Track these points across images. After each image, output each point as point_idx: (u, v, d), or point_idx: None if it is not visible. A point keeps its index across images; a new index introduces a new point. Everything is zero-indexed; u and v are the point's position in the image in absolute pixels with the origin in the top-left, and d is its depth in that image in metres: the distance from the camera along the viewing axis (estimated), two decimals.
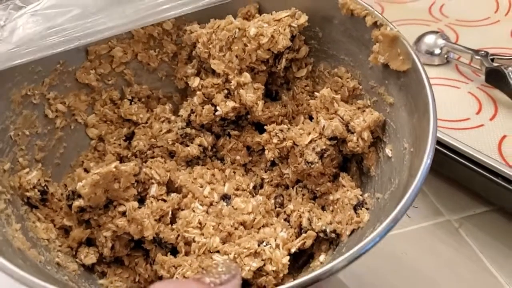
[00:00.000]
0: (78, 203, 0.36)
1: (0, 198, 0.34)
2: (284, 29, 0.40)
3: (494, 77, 0.51)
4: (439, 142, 0.45)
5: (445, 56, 0.56)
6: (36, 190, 0.37)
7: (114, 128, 0.45)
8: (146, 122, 0.45)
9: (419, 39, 0.57)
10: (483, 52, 0.52)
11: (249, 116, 0.44)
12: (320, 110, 0.39)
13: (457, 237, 0.46)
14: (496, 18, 0.62)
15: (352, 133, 0.38)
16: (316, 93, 0.40)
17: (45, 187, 0.37)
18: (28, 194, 0.37)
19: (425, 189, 0.50)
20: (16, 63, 0.34)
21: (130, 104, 0.45)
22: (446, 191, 0.50)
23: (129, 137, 0.45)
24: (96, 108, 0.44)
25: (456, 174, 0.46)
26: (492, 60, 0.52)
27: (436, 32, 0.57)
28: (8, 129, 0.37)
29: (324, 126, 0.38)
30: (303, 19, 0.41)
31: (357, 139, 0.38)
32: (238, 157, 0.43)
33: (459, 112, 0.49)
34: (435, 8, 0.65)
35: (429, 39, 0.56)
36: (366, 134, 0.37)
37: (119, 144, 0.44)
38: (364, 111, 0.39)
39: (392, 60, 0.37)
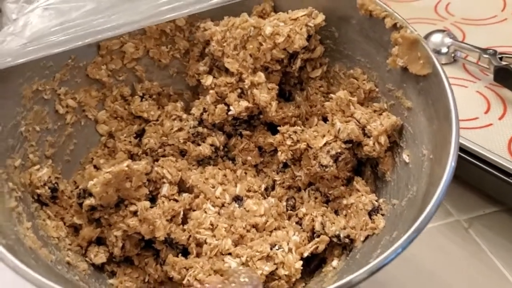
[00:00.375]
0: (89, 201, 0.36)
1: (11, 196, 0.34)
2: (301, 29, 0.39)
3: (503, 76, 0.50)
4: None
5: (452, 55, 0.55)
6: (46, 187, 0.36)
7: (125, 125, 0.44)
8: (157, 120, 0.44)
9: (426, 38, 0.55)
10: (491, 50, 0.51)
11: (261, 116, 0.43)
12: (336, 113, 0.39)
13: (467, 237, 0.46)
14: (503, 17, 0.61)
15: (369, 137, 0.37)
16: (331, 95, 0.39)
17: (56, 184, 0.37)
18: (38, 191, 0.36)
19: None
20: (28, 59, 0.33)
21: (141, 100, 0.45)
22: (455, 192, 0.49)
23: (140, 134, 0.44)
24: (106, 104, 0.44)
25: (466, 173, 0.45)
26: (501, 58, 0.51)
27: (443, 31, 0.56)
28: (19, 125, 0.37)
29: (339, 129, 0.38)
30: (320, 18, 0.40)
31: (374, 144, 0.37)
32: (249, 158, 0.42)
33: (467, 112, 0.48)
34: (441, 7, 0.64)
35: (436, 38, 0.55)
36: (383, 139, 0.37)
37: (130, 142, 0.43)
38: (381, 114, 0.38)
39: (411, 64, 0.36)
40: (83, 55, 0.41)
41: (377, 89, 0.40)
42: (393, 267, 0.43)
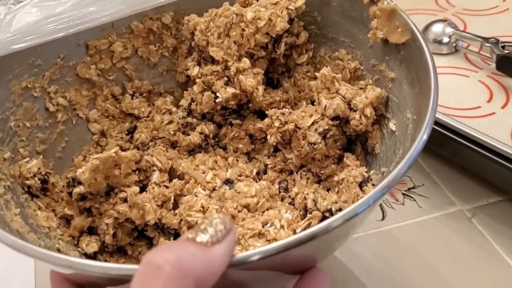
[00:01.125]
0: (78, 189, 0.36)
1: (0, 184, 0.34)
2: (282, 12, 0.40)
3: (505, 65, 0.50)
4: (450, 129, 0.44)
5: (454, 45, 0.55)
6: (36, 178, 0.36)
7: (116, 123, 0.45)
8: (148, 116, 0.45)
9: (427, 28, 0.56)
10: (493, 39, 0.51)
11: (250, 105, 0.43)
12: (321, 91, 0.39)
13: (470, 226, 0.45)
14: (504, 7, 0.62)
15: (355, 111, 0.37)
16: (316, 73, 0.39)
17: (46, 176, 0.37)
18: (28, 182, 0.36)
19: (437, 179, 0.49)
20: (15, 48, 0.34)
21: (132, 98, 0.45)
22: (458, 181, 0.49)
23: (131, 131, 0.45)
24: (97, 103, 0.44)
25: (468, 162, 0.45)
26: (503, 47, 0.51)
27: (444, 21, 0.56)
28: (8, 119, 0.37)
29: (325, 106, 0.38)
30: (301, 1, 0.41)
31: (360, 117, 0.37)
32: (240, 146, 0.42)
33: (469, 101, 0.48)
34: None
35: (437, 28, 0.55)
36: (368, 111, 0.37)
37: (121, 138, 0.44)
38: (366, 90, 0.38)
39: (390, 34, 0.36)
40: (72, 55, 0.42)
41: (361, 67, 0.40)
42: (394, 256, 0.42)
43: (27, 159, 0.37)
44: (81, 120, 0.44)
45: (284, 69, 0.45)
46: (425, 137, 0.27)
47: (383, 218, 0.46)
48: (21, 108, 0.39)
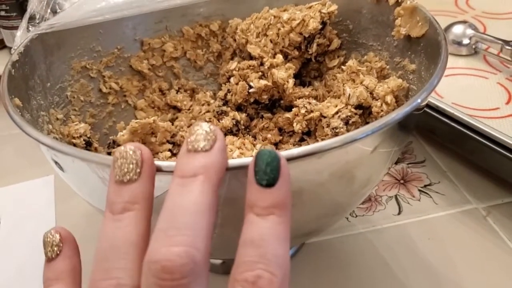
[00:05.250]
0: None
1: (49, 134, 0.38)
2: (315, 14, 0.44)
3: None
4: (468, 128, 0.45)
5: (473, 46, 0.56)
6: (82, 139, 0.40)
7: (160, 114, 0.49)
8: (189, 109, 0.49)
9: (447, 29, 0.57)
10: None
11: (282, 102, 0.46)
12: (347, 82, 0.41)
13: (485, 225, 0.45)
14: None
15: (377, 100, 0.40)
16: (342, 66, 0.42)
17: (90, 139, 0.41)
18: (74, 141, 0.40)
19: (453, 177, 0.50)
20: (85, 21, 0.40)
21: (176, 93, 0.50)
22: (474, 180, 0.49)
23: (173, 122, 0.49)
24: (146, 94, 0.49)
25: (486, 160, 0.45)
26: None
27: (465, 22, 0.57)
28: (65, 89, 0.43)
29: (349, 94, 0.40)
30: (333, 7, 0.45)
31: (381, 104, 0.39)
32: (269, 136, 0.45)
33: (488, 102, 0.49)
34: (461, 0, 0.66)
35: (458, 29, 0.56)
36: (389, 98, 0.39)
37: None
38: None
39: (412, 29, 0.39)
40: (128, 48, 0.48)
41: (387, 66, 0.43)
42: (408, 251, 0.42)
43: (77, 122, 0.42)
44: (129, 107, 0.48)
45: (316, 74, 0.48)
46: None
47: (399, 213, 0.46)
48: (78, 83, 0.44)
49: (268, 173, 0.23)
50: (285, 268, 0.22)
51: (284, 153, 0.25)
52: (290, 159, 0.25)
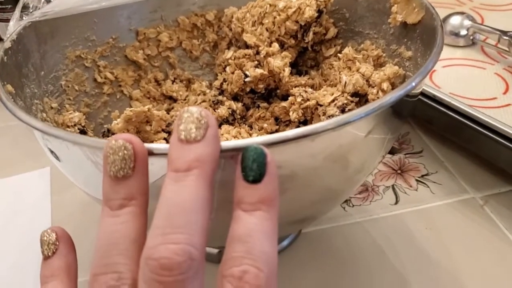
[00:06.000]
0: None
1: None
2: (310, 2, 0.44)
3: None
4: (466, 116, 0.45)
5: (471, 37, 0.56)
6: (76, 128, 0.40)
7: (156, 104, 0.49)
8: (185, 99, 0.49)
9: (445, 20, 0.56)
10: (511, 32, 0.52)
11: (278, 91, 0.46)
12: (343, 70, 0.41)
13: (482, 214, 0.45)
14: None
15: (373, 87, 0.39)
16: (338, 54, 0.42)
17: (85, 128, 0.41)
18: (68, 130, 0.40)
19: (450, 167, 0.50)
20: (80, 9, 0.39)
21: (172, 83, 0.49)
22: (471, 170, 0.49)
23: (169, 112, 0.48)
24: (141, 84, 0.49)
25: (483, 149, 0.45)
26: None
27: (462, 13, 0.57)
28: (60, 78, 0.42)
29: (345, 82, 0.40)
30: None
31: (377, 92, 0.39)
32: (265, 125, 0.45)
33: (485, 92, 0.48)
34: None
35: (455, 20, 0.56)
36: (385, 85, 0.39)
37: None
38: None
39: (408, 16, 0.39)
40: (123, 37, 0.48)
41: (384, 54, 0.43)
42: (405, 240, 0.42)
43: (71, 111, 0.41)
44: (124, 97, 0.48)
45: (313, 63, 0.48)
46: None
47: (396, 203, 0.46)
48: (72, 72, 0.44)
49: (255, 169, 0.23)
50: (272, 263, 0.22)
51: (278, 135, 0.25)
52: (284, 141, 0.25)
